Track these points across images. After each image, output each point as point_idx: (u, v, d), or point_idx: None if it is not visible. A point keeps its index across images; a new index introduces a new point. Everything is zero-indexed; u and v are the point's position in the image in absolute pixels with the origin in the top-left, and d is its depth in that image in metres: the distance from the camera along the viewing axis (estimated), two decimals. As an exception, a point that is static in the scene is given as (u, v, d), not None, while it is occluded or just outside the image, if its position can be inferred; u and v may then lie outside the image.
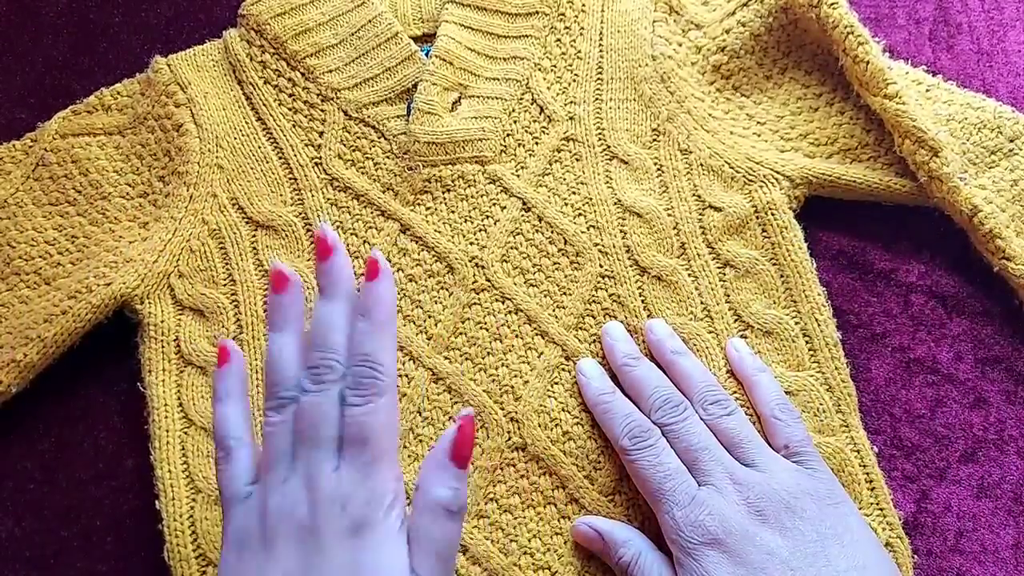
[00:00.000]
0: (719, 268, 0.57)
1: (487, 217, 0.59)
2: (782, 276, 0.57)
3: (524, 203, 0.59)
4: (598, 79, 0.62)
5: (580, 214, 0.59)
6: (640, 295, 0.57)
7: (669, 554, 0.48)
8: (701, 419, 0.51)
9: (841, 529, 0.46)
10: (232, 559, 0.41)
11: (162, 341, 0.56)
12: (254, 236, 0.59)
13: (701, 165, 0.59)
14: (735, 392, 0.54)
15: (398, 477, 0.42)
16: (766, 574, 0.44)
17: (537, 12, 0.64)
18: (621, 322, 0.56)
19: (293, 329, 0.45)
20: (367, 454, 0.41)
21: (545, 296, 0.57)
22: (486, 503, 0.52)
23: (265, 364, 0.44)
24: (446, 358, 0.55)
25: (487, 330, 0.56)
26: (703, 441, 0.49)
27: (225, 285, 0.58)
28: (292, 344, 0.44)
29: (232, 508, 0.42)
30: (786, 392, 0.54)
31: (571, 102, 0.62)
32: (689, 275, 0.57)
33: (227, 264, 0.58)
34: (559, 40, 0.64)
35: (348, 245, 0.58)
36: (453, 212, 0.59)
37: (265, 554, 0.40)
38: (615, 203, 0.59)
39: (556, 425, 0.54)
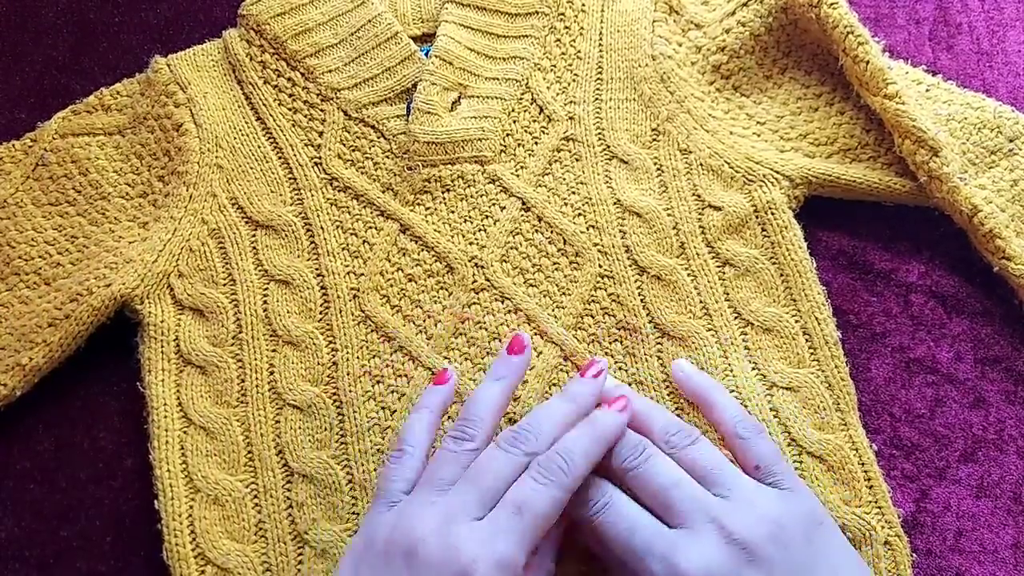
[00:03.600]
0: (718, 267, 0.57)
1: (487, 217, 0.59)
2: (782, 275, 0.57)
3: (524, 203, 0.59)
4: (598, 79, 0.62)
5: (580, 214, 0.59)
6: (639, 295, 0.57)
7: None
8: (666, 454, 0.47)
9: (827, 553, 0.45)
10: (360, 549, 0.44)
11: (162, 341, 0.56)
12: (254, 236, 0.59)
13: (701, 165, 0.59)
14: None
15: (532, 567, 0.45)
16: None
17: (537, 12, 0.64)
18: (623, 327, 0.56)
19: (508, 384, 0.49)
20: (515, 523, 0.43)
21: (544, 296, 0.57)
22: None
23: (469, 398, 0.48)
24: (446, 358, 0.55)
25: (486, 330, 0.56)
26: (672, 477, 0.46)
27: (225, 285, 0.58)
28: (500, 396, 0.49)
29: (380, 505, 0.45)
30: (786, 389, 0.54)
31: (571, 102, 0.62)
32: (688, 274, 0.57)
33: (227, 264, 0.58)
34: (559, 40, 0.64)
35: (348, 245, 0.58)
36: (453, 212, 0.59)
37: (382, 562, 0.42)
38: (615, 203, 0.59)
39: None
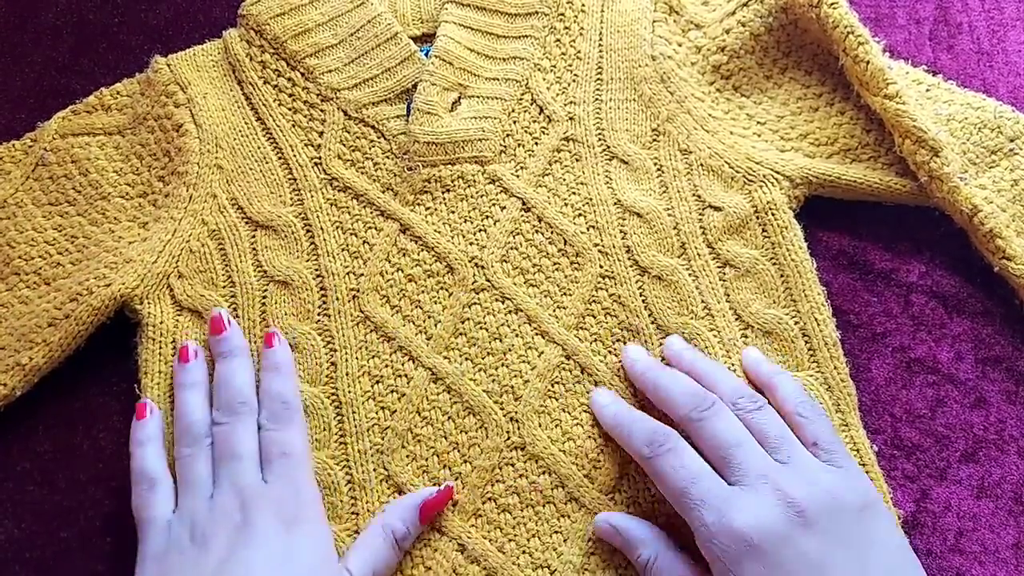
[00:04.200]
0: (719, 268, 0.57)
1: (487, 217, 0.59)
2: (782, 276, 0.57)
3: (524, 203, 0.59)
4: (598, 79, 0.62)
5: (580, 214, 0.59)
6: (640, 295, 0.57)
7: (690, 554, 0.48)
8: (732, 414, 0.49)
9: (877, 533, 0.45)
10: (152, 568, 0.47)
11: (159, 342, 0.56)
12: (253, 236, 0.59)
13: (701, 165, 0.59)
14: None
15: (317, 487, 0.52)
16: None
17: (537, 12, 0.64)
18: (626, 328, 0.56)
19: (200, 388, 0.53)
20: (291, 464, 0.50)
21: (545, 296, 0.57)
22: (484, 502, 0.52)
23: (174, 417, 0.53)
24: (446, 358, 0.55)
25: (487, 330, 0.56)
26: (735, 436, 0.48)
27: (224, 286, 0.57)
28: (198, 397, 0.53)
29: (152, 529, 0.49)
30: None
31: (571, 102, 0.62)
32: (689, 275, 0.57)
33: (226, 265, 0.58)
34: (559, 40, 0.64)
35: (348, 245, 0.58)
36: (453, 212, 0.59)
37: (196, 550, 0.46)
38: (615, 203, 0.59)
39: (556, 425, 0.54)
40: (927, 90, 0.60)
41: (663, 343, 0.55)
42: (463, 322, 0.56)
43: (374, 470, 0.53)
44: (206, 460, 0.50)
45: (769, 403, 0.51)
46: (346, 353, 0.55)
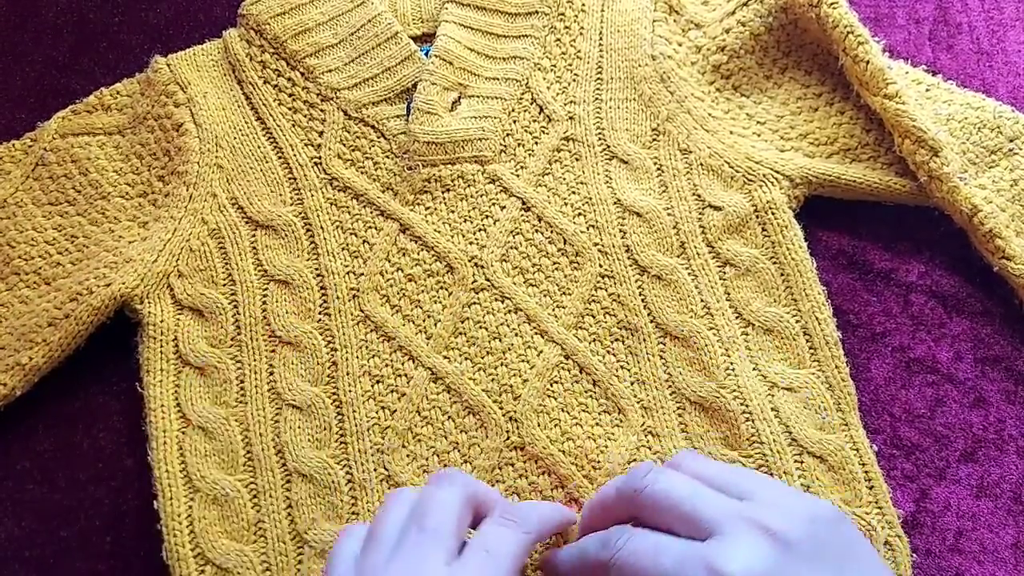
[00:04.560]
0: (719, 267, 0.57)
1: (487, 217, 0.59)
2: (782, 275, 0.57)
3: (524, 203, 0.59)
4: (598, 79, 0.62)
5: (580, 214, 0.59)
6: (640, 294, 0.57)
7: None
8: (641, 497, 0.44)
9: (857, 544, 0.43)
10: None
11: (161, 341, 0.56)
12: (254, 236, 0.59)
13: (701, 165, 0.59)
14: (735, 391, 0.54)
15: None
16: None
17: (537, 12, 0.64)
18: (625, 327, 0.56)
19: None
20: (487, 564, 0.42)
21: (545, 296, 0.57)
22: (485, 502, 0.53)
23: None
24: (445, 358, 0.55)
25: (486, 329, 0.56)
26: (689, 487, 0.44)
27: (224, 285, 0.58)
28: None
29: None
30: (787, 389, 0.54)
31: (571, 102, 0.62)
32: (689, 274, 0.57)
33: (227, 264, 0.58)
34: (559, 40, 0.64)
35: (348, 245, 0.58)
36: (453, 212, 0.59)
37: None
38: (615, 203, 0.59)
39: (555, 425, 0.54)
40: (927, 90, 0.60)
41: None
42: (463, 321, 0.56)
43: (374, 470, 0.53)
44: (403, 509, 0.44)
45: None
46: (347, 352, 0.56)
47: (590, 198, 0.59)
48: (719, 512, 0.42)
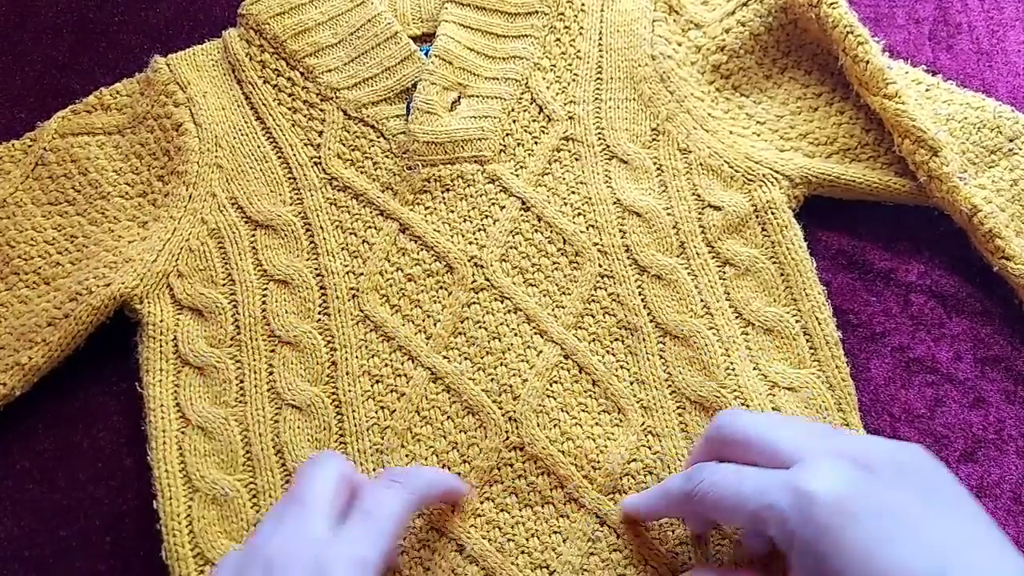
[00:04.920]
0: (719, 267, 0.57)
1: (486, 217, 0.59)
2: (782, 274, 0.57)
3: (523, 203, 0.59)
4: (597, 79, 0.62)
5: (579, 213, 0.59)
6: (640, 294, 0.57)
7: None
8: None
9: (943, 480, 0.42)
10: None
11: (160, 341, 0.56)
12: (253, 236, 0.59)
13: (700, 164, 0.59)
14: (735, 391, 0.54)
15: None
16: (890, 543, 0.38)
17: (536, 12, 0.64)
18: (624, 327, 0.56)
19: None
20: (368, 524, 0.44)
21: (544, 295, 0.57)
22: (483, 502, 0.52)
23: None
24: (445, 357, 0.55)
25: (486, 329, 0.56)
26: (767, 422, 0.45)
27: (224, 285, 0.58)
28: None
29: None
30: (787, 389, 0.54)
31: (570, 102, 0.62)
32: (689, 274, 0.57)
33: (226, 264, 0.58)
34: (558, 40, 0.64)
35: (348, 245, 0.58)
36: (452, 212, 0.59)
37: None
38: (614, 203, 0.59)
39: (554, 425, 0.54)
40: (926, 90, 0.60)
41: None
42: (462, 321, 0.56)
43: (373, 469, 0.53)
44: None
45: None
46: (346, 352, 0.56)
47: (590, 198, 0.59)
48: (800, 443, 0.43)
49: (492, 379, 0.55)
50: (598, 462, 0.53)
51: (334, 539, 0.42)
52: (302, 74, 0.62)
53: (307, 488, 0.45)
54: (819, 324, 0.55)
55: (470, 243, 0.58)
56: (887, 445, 0.43)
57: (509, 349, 0.55)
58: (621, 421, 0.54)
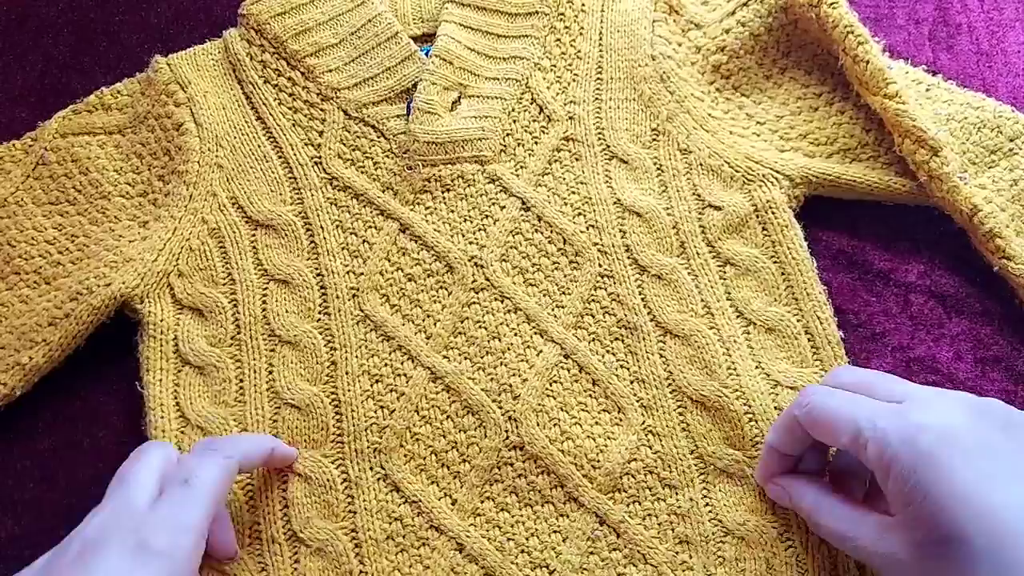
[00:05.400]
0: (719, 267, 0.57)
1: (486, 216, 0.59)
2: (783, 274, 0.57)
3: (523, 203, 0.59)
4: (598, 79, 0.62)
5: (580, 213, 0.59)
6: (640, 294, 0.57)
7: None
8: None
9: None
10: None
11: (160, 340, 0.56)
12: (254, 235, 0.59)
13: (701, 164, 0.59)
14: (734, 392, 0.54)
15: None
16: (993, 480, 0.39)
17: (537, 12, 0.64)
18: (624, 326, 0.56)
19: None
20: (187, 492, 0.45)
21: (544, 295, 0.57)
22: (483, 502, 0.52)
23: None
24: (445, 357, 0.55)
25: (486, 329, 0.56)
26: (876, 375, 0.47)
27: (224, 284, 0.58)
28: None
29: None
30: (790, 388, 0.54)
31: (571, 102, 0.62)
32: (689, 274, 0.57)
33: (226, 263, 0.58)
34: (559, 40, 0.64)
35: (348, 244, 0.58)
36: (452, 211, 0.59)
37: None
38: (615, 202, 0.59)
39: (554, 424, 0.54)
40: (927, 90, 0.60)
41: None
42: (462, 321, 0.56)
43: (371, 469, 0.53)
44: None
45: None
46: (346, 352, 0.56)
47: (590, 198, 0.59)
48: (913, 388, 0.45)
49: (492, 379, 0.55)
50: (598, 461, 0.53)
51: (152, 510, 0.43)
52: (303, 74, 0.62)
53: (128, 470, 0.46)
54: (820, 323, 0.55)
55: (470, 243, 0.58)
56: (996, 403, 0.44)
57: (509, 349, 0.55)
58: (621, 420, 0.54)
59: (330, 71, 0.62)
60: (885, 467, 0.41)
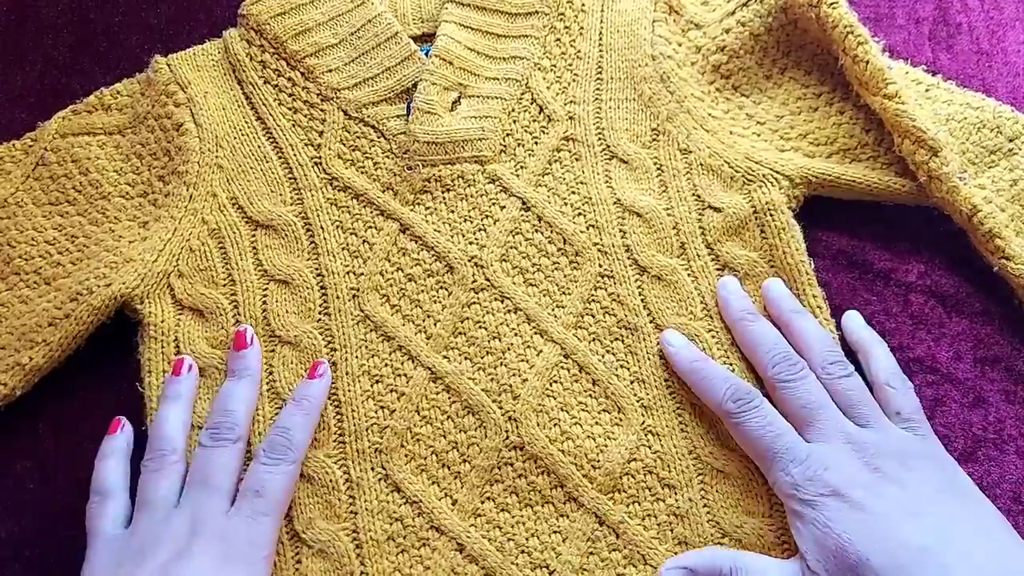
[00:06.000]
0: (718, 269, 0.57)
1: (486, 217, 0.59)
2: (781, 278, 0.57)
3: (524, 203, 0.59)
4: (598, 79, 0.62)
5: (580, 214, 0.59)
6: (640, 294, 0.57)
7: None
8: (819, 379, 0.51)
9: (960, 491, 0.47)
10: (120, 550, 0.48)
11: (161, 341, 0.56)
12: (254, 236, 0.59)
13: (701, 165, 0.59)
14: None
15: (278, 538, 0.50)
16: (887, 519, 0.45)
17: (537, 12, 0.64)
18: (624, 326, 0.56)
19: (183, 404, 0.53)
20: (259, 507, 0.49)
21: (544, 295, 0.57)
22: (483, 502, 0.52)
23: (152, 426, 0.53)
24: (445, 357, 0.55)
25: (486, 329, 0.56)
26: (820, 400, 0.50)
27: (224, 285, 0.58)
28: (177, 413, 0.53)
29: (97, 543, 0.49)
30: None
31: (571, 102, 0.62)
32: (689, 275, 0.57)
33: (227, 264, 0.58)
34: (559, 40, 0.64)
35: (348, 245, 0.58)
36: (453, 212, 0.59)
37: (132, 567, 0.46)
38: (615, 203, 0.59)
39: (554, 424, 0.54)
40: (926, 90, 0.60)
41: (763, 285, 0.56)
42: (462, 321, 0.56)
43: (372, 469, 0.53)
44: (170, 479, 0.50)
45: (859, 369, 0.53)
46: (346, 352, 0.56)
47: (590, 198, 0.59)
48: (833, 428, 0.49)
49: (492, 379, 0.55)
50: (598, 461, 0.53)
51: (230, 519, 0.48)
52: (303, 74, 0.62)
53: (209, 471, 0.50)
54: (819, 325, 0.55)
55: (470, 243, 0.58)
56: (912, 452, 0.49)
57: (509, 349, 0.55)
58: (621, 420, 0.54)
59: (330, 71, 0.62)
60: (793, 507, 0.48)
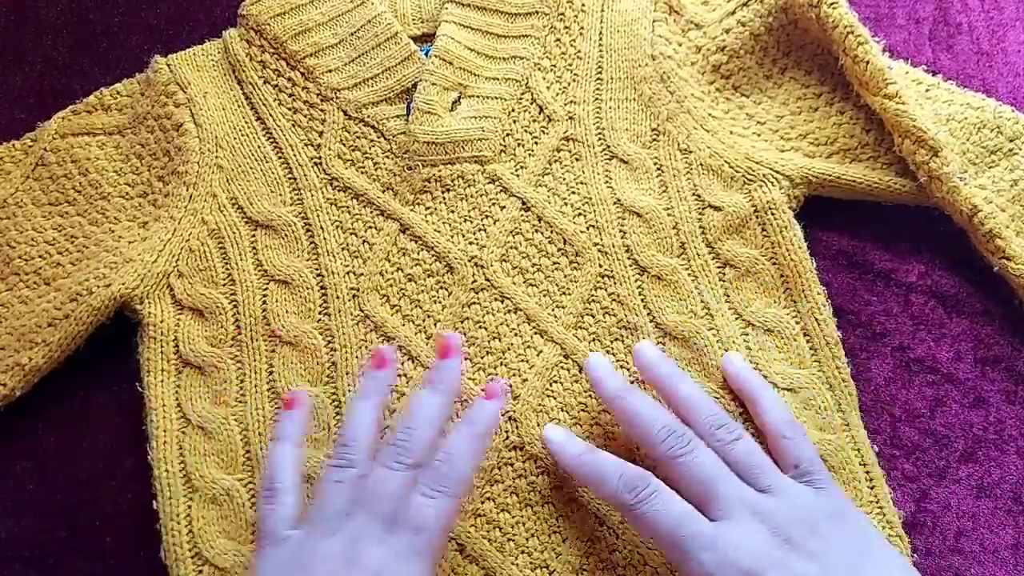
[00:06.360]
0: (719, 268, 0.57)
1: (486, 217, 0.59)
2: (782, 276, 0.57)
3: (524, 203, 0.59)
4: (598, 79, 0.62)
5: (580, 214, 0.59)
6: (640, 294, 0.57)
7: None
8: (709, 446, 0.48)
9: (866, 545, 0.46)
10: None
11: (161, 341, 0.56)
12: (253, 236, 0.59)
13: (701, 165, 0.59)
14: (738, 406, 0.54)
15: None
16: None
17: (537, 12, 0.64)
18: (624, 327, 0.56)
19: (376, 401, 0.50)
20: (417, 543, 0.45)
21: (544, 295, 0.57)
22: (483, 502, 0.52)
23: (344, 424, 0.50)
24: (445, 357, 0.55)
25: (486, 329, 0.56)
26: (715, 471, 0.47)
27: (224, 285, 0.58)
28: (372, 413, 0.50)
29: (269, 546, 0.46)
30: (787, 389, 0.54)
31: (571, 102, 0.62)
32: (689, 274, 0.57)
33: (226, 264, 0.58)
34: (559, 40, 0.64)
35: (348, 245, 0.58)
36: (452, 212, 0.59)
37: None
38: (615, 203, 0.59)
39: (554, 424, 0.54)
40: (927, 90, 0.60)
41: (634, 349, 0.53)
42: (462, 321, 0.56)
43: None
44: (346, 494, 0.47)
45: (749, 421, 0.52)
46: (346, 352, 0.56)
47: (590, 198, 0.59)
48: (734, 500, 0.46)
49: (492, 379, 0.55)
50: (598, 462, 0.53)
51: (385, 550, 0.44)
52: (302, 74, 0.62)
53: (380, 497, 0.46)
54: (819, 324, 0.55)
55: (470, 243, 0.58)
56: (816, 512, 0.46)
57: (509, 349, 0.55)
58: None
59: (330, 71, 0.62)
60: None
